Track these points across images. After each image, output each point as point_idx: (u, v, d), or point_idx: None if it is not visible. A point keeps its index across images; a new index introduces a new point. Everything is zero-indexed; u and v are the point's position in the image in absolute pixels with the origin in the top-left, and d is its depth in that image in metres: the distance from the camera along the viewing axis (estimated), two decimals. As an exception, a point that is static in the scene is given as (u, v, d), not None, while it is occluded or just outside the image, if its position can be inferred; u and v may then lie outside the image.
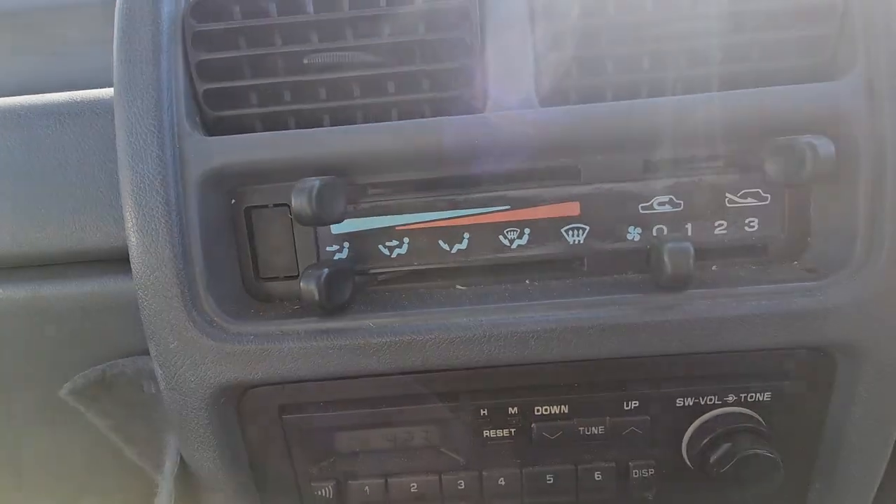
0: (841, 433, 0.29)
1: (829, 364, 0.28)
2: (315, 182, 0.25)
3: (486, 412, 0.30)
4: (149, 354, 0.34)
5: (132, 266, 0.27)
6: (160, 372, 0.29)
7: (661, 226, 0.28)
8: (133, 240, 0.27)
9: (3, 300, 0.36)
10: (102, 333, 0.37)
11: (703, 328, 0.26)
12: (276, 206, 0.29)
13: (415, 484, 0.31)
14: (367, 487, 0.31)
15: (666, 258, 0.25)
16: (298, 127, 0.27)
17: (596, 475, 0.31)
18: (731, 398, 0.29)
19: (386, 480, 0.31)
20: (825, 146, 0.24)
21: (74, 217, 0.34)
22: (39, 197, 0.35)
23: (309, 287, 0.26)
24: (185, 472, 0.32)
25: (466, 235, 0.29)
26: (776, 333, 0.26)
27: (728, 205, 0.28)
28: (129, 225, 0.27)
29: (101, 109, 0.34)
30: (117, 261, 0.33)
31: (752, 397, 0.29)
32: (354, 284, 0.28)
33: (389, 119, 0.27)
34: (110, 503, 0.44)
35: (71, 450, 0.42)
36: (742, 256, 0.29)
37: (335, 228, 0.29)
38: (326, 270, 0.26)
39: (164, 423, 0.38)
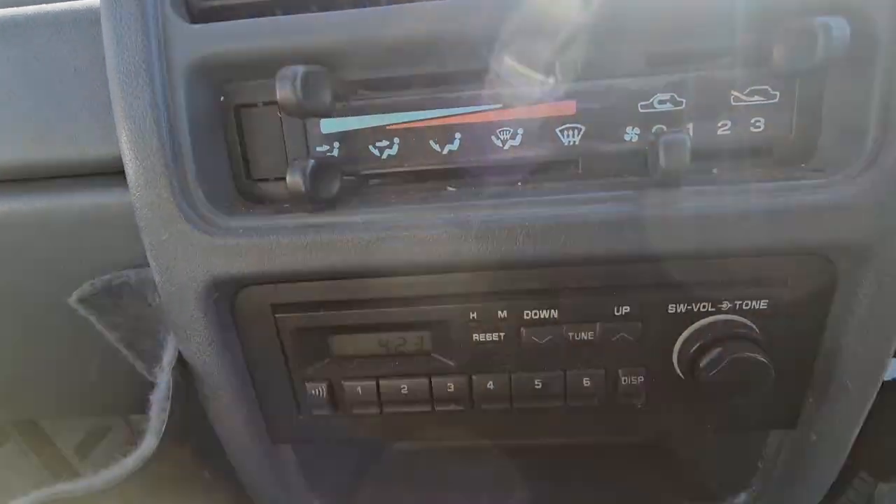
0: (838, 344, 0.29)
1: (830, 270, 0.27)
2: (299, 69, 0.24)
3: (475, 315, 0.30)
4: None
5: (122, 158, 0.27)
6: (154, 266, 0.30)
7: (660, 125, 0.27)
8: (122, 132, 0.27)
9: (6, 213, 0.37)
10: (105, 246, 0.38)
11: (700, 225, 0.25)
12: (265, 104, 0.29)
13: (405, 386, 0.32)
14: (359, 388, 0.32)
15: (661, 151, 0.24)
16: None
17: (584, 381, 0.31)
18: (725, 305, 0.29)
19: (377, 382, 0.32)
20: (840, 26, 0.22)
21: (75, 128, 0.34)
22: (39, 109, 0.35)
23: (294, 178, 0.25)
24: (183, 370, 0.33)
25: (458, 135, 0.28)
26: (777, 232, 0.25)
27: (733, 103, 0.27)
28: (118, 116, 0.27)
29: (98, 18, 0.33)
30: (119, 173, 0.34)
31: (747, 305, 0.28)
32: (342, 180, 0.28)
33: (379, 4, 0.26)
34: (115, 410, 0.46)
35: (74, 360, 0.44)
36: (746, 159, 0.28)
37: (325, 127, 0.29)
38: (312, 162, 0.26)
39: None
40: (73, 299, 0.40)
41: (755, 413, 0.32)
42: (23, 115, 0.35)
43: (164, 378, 0.31)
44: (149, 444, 0.30)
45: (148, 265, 0.36)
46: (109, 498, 0.33)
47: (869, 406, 0.31)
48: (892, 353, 0.29)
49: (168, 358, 0.32)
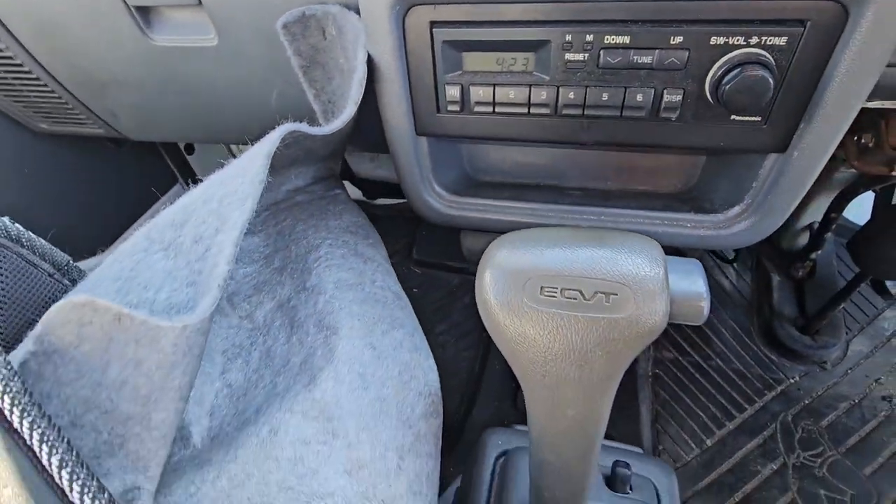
0: (832, 75, 0.40)
1: (841, 12, 0.37)
2: None
3: (569, 38, 0.43)
4: (334, 2, 0.50)
5: None
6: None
7: None
8: None
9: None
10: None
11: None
12: None
13: (512, 93, 0.47)
14: (480, 91, 0.47)
15: None
16: None
17: (638, 97, 0.44)
18: (753, 41, 0.39)
19: (494, 88, 0.47)
20: None
21: None
22: None
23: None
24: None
25: None
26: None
27: None
28: None
29: None
30: None
31: (770, 41, 0.39)
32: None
33: None
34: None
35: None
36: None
37: None
38: None
39: (344, 68, 0.55)
40: (278, 24, 0.56)
41: (757, 138, 0.45)
42: None
43: (360, 69, 0.48)
44: (350, 111, 0.49)
45: (328, 1, 0.51)
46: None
47: (842, 132, 0.42)
48: (871, 86, 0.39)
49: (361, 62, 0.48)
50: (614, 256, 0.31)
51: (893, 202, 0.91)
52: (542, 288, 0.31)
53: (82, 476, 0.27)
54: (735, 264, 1.29)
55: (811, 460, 1.01)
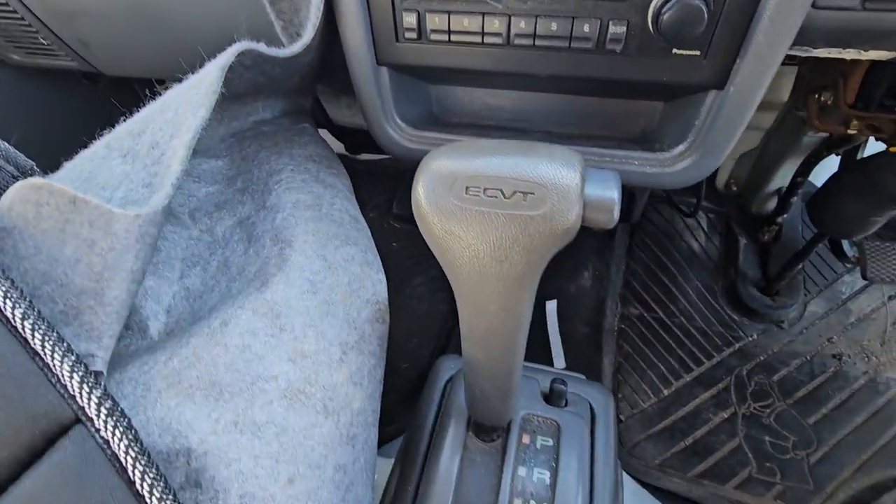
0: (762, 15, 0.41)
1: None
2: None
3: (519, -36, 0.44)
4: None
5: None
6: None
7: None
8: None
9: None
10: None
11: None
12: None
13: (466, 20, 0.48)
14: (436, 18, 0.49)
15: None
16: None
17: (585, 27, 0.46)
18: (693, -27, 0.41)
19: (448, 15, 0.48)
20: None
21: None
22: None
23: None
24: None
25: None
26: None
27: None
28: None
29: None
30: None
31: (708, -27, 0.41)
32: None
33: None
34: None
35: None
36: None
37: None
38: None
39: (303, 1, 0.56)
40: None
41: (698, 73, 0.47)
42: None
43: None
44: (308, 34, 0.50)
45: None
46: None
47: (774, 69, 0.45)
48: (797, 25, 0.41)
49: None
50: (535, 161, 0.34)
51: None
52: (467, 188, 0.33)
53: (53, 338, 0.30)
54: (705, 228, 1.33)
55: (760, 410, 1.07)
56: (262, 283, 0.43)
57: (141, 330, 0.41)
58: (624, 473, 0.93)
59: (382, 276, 0.50)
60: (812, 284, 1.23)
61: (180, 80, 0.44)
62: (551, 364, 1.16)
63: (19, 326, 0.29)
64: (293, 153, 0.58)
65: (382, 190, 1.48)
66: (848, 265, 1.21)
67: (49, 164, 0.46)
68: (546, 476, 0.46)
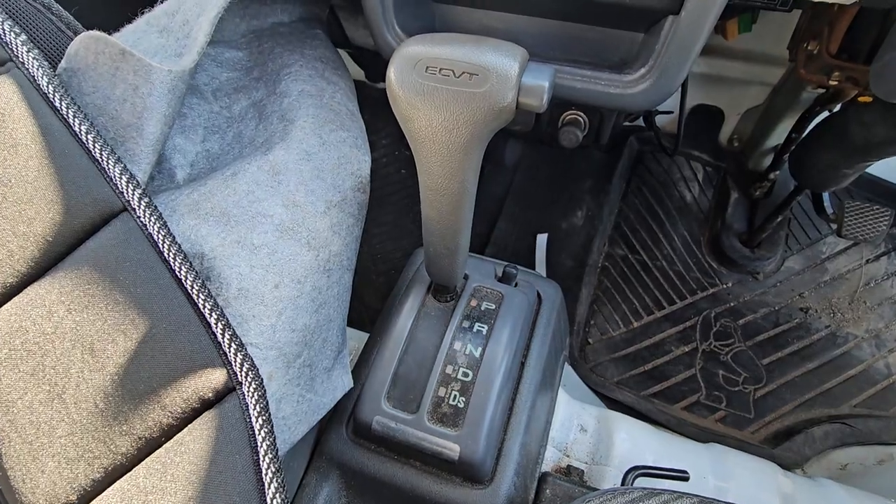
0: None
1: None
2: None
3: None
4: None
5: None
6: None
7: None
8: None
9: None
10: None
11: None
12: None
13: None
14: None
15: None
16: None
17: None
18: None
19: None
20: None
21: None
22: None
23: None
24: None
25: None
26: None
27: None
28: None
29: None
30: None
31: None
32: None
33: None
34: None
35: None
36: None
37: None
38: None
39: None
40: None
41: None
42: None
43: None
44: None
45: None
46: None
47: (719, 5, 0.50)
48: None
49: None
50: (484, 50, 0.42)
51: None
52: (427, 68, 0.42)
53: (107, 149, 0.40)
54: (700, 181, 1.38)
55: (720, 349, 1.17)
56: (266, 149, 0.53)
57: (170, 176, 0.52)
58: (577, 377, 1.05)
59: (368, 158, 0.60)
60: (794, 242, 1.29)
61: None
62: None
63: (84, 138, 0.39)
64: (304, 52, 0.67)
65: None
66: (828, 222, 1.26)
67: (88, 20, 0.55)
68: (483, 330, 0.57)
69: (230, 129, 0.57)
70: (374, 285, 1.31)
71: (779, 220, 1.17)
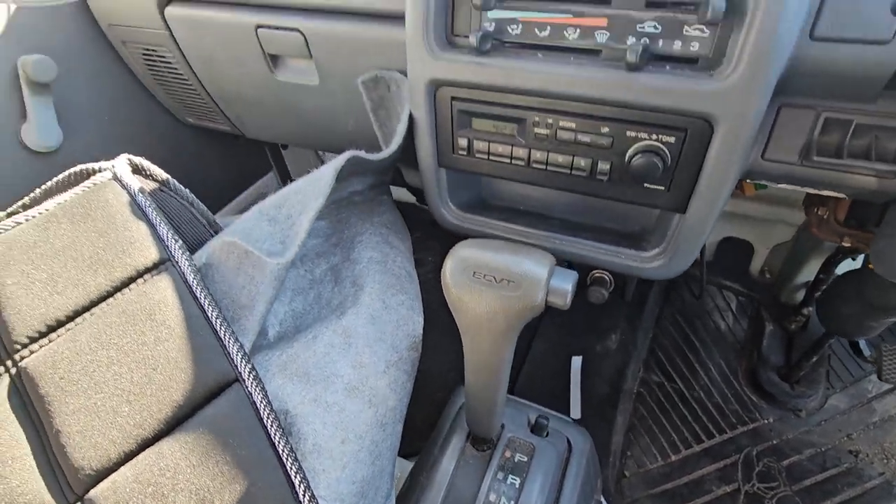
0: (707, 164, 0.58)
1: (709, 127, 0.56)
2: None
3: (537, 118, 0.64)
4: (397, 71, 0.75)
5: (406, 13, 0.64)
6: (409, 69, 0.68)
7: (645, 38, 0.56)
8: (409, 6, 0.63)
9: (340, 30, 0.78)
10: (379, 56, 0.78)
11: (647, 90, 0.56)
12: None
13: (500, 148, 0.69)
14: (481, 144, 0.70)
15: (629, 52, 0.54)
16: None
17: (581, 162, 0.65)
18: (654, 136, 0.59)
19: (489, 143, 0.69)
20: (718, 4, 0.48)
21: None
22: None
23: (472, 38, 0.60)
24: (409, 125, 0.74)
25: (548, 27, 0.60)
26: (685, 101, 0.55)
27: (685, 33, 0.54)
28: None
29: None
30: (400, 18, 0.70)
31: (664, 138, 0.59)
32: (493, 42, 0.62)
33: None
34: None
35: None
36: (684, 63, 0.55)
37: (489, 14, 0.62)
38: (480, 32, 0.60)
39: (394, 113, 0.80)
40: (359, 79, 0.82)
41: (664, 201, 0.64)
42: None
43: (401, 128, 0.72)
44: (393, 147, 0.73)
45: (392, 69, 0.76)
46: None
47: (720, 206, 0.61)
48: (734, 175, 0.58)
49: (405, 115, 0.73)
50: (520, 260, 0.53)
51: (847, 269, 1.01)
52: (474, 272, 0.53)
53: (229, 330, 0.53)
54: (734, 310, 1.41)
55: (763, 491, 1.13)
56: (340, 313, 0.65)
57: (263, 334, 0.64)
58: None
59: (421, 319, 0.70)
60: (837, 379, 1.27)
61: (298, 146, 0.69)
62: (569, 413, 1.29)
63: (213, 322, 0.52)
64: (373, 220, 0.81)
65: (442, 238, 1.70)
66: (865, 363, 1.24)
67: (206, 196, 0.71)
68: (516, 482, 0.62)
69: (312, 290, 0.70)
70: (417, 403, 1.37)
71: (816, 358, 1.18)
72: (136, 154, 0.65)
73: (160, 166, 0.67)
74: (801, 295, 1.32)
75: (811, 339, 1.28)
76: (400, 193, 1.32)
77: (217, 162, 1.36)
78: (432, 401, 1.37)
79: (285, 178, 1.61)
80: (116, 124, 1.12)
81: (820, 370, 1.26)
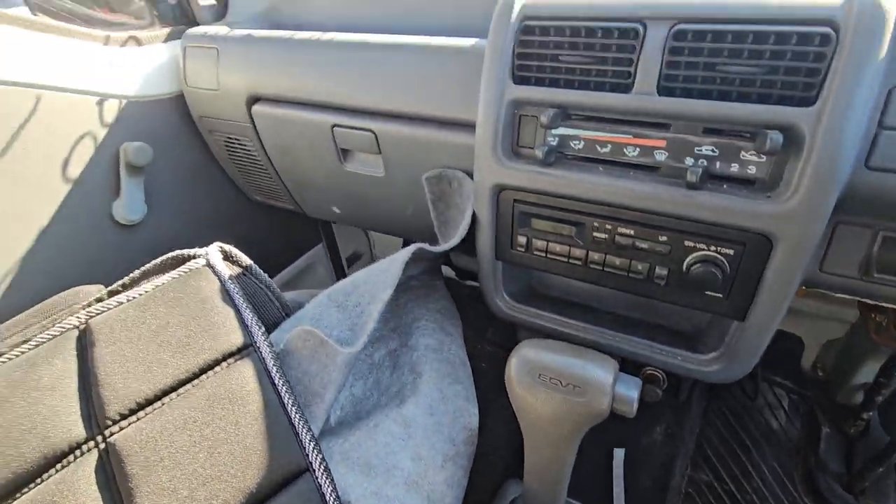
0: (767, 275, 0.60)
1: (767, 241, 0.58)
2: (550, 111, 0.64)
3: (595, 224, 0.68)
4: (460, 170, 0.81)
5: (477, 124, 0.71)
6: (476, 173, 0.74)
7: (703, 160, 0.60)
8: (482, 116, 0.70)
9: (409, 134, 0.86)
10: (448, 157, 0.85)
11: (706, 207, 0.59)
12: (531, 116, 0.69)
13: (558, 247, 0.73)
14: (539, 241, 0.74)
15: (689, 173, 0.58)
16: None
17: (639, 266, 0.68)
18: (713, 248, 0.62)
19: (547, 242, 0.73)
20: (776, 137, 0.53)
21: (453, 103, 0.79)
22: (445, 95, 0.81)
23: (537, 151, 0.66)
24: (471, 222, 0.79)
25: (609, 145, 0.65)
26: (744, 219, 0.58)
27: (742, 157, 0.58)
28: (481, 111, 0.70)
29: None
30: (471, 127, 0.77)
31: (723, 250, 0.61)
32: (556, 155, 0.68)
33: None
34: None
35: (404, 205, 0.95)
36: (741, 184, 0.59)
37: (554, 131, 0.68)
38: (545, 147, 0.66)
39: (458, 207, 0.86)
40: (424, 176, 0.89)
41: (722, 307, 0.65)
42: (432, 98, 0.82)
43: (464, 223, 0.77)
44: (456, 240, 0.78)
45: (456, 169, 0.83)
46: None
47: (781, 314, 0.61)
48: (795, 286, 0.59)
49: (468, 212, 0.78)
50: (585, 364, 0.55)
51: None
52: (539, 374, 0.55)
53: (302, 418, 0.55)
54: (786, 408, 1.35)
55: None
56: (400, 402, 0.66)
57: (326, 418, 0.66)
58: None
59: (476, 411, 0.71)
60: (908, 493, 1.17)
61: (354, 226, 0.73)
62: (612, 510, 1.22)
63: (289, 409, 0.55)
64: (429, 306, 0.85)
65: (481, 315, 1.71)
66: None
67: (261, 265, 0.76)
68: None
69: (371, 375, 0.72)
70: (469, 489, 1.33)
71: (882, 469, 1.10)
72: (203, 225, 0.71)
73: (224, 238, 0.73)
74: (859, 396, 1.26)
75: (874, 445, 1.20)
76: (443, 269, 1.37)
77: (272, 234, 1.45)
78: (482, 488, 1.32)
79: (333, 251, 1.69)
80: (192, 200, 1.23)
81: (888, 482, 1.17)
